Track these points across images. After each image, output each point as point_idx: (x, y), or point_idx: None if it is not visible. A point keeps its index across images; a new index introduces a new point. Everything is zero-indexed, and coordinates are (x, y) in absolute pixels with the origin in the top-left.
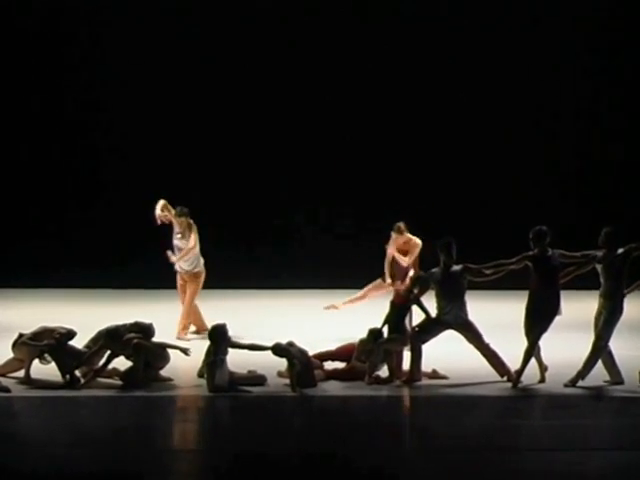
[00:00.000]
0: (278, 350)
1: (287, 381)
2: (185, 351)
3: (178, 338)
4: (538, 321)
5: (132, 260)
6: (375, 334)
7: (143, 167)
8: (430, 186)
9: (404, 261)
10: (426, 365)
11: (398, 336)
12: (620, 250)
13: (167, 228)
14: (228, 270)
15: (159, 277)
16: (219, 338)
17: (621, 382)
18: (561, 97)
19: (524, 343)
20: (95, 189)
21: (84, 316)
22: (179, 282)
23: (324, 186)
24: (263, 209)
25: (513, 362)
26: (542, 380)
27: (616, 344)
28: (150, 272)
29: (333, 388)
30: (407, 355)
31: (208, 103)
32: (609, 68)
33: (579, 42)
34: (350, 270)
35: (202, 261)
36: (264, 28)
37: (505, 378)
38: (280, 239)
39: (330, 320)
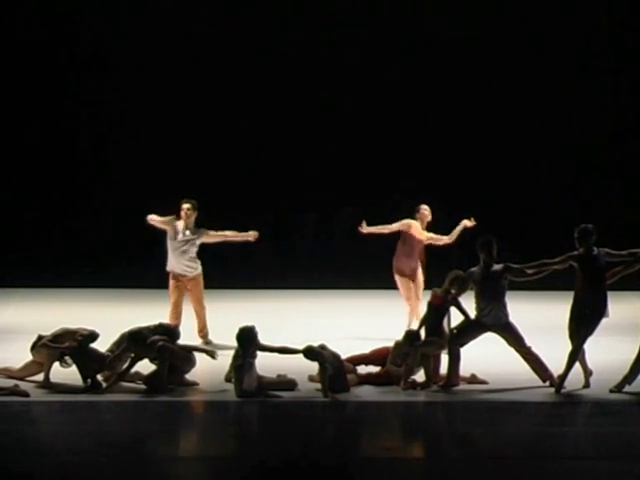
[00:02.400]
0: (309, 353)
1: (318, 386)
2: (212, 354)
3: (205, 343)
4: (583, 323)
5: (153, 259)
6: (412, 336)
7: (155, 165)
8: (463, 183)
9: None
10: (464, 369)
11: (435, 339)
12: None
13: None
14: (248, 271)
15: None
16: (247, 341)
17: None
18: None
19: (568, 346)
20: (107, 187)
21: (105, 317)
22: (174, 283)
23: (348, 185)
24: (278, 206)
25: (556, 366)
26: (586, 385)
27: None
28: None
29: (367, 393)
30: (445, 359)
31: (214, 104)
32: None
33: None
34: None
35: None
36: (265, 30)
37: (547, 383)
38: (298, 238)
39: (359, 321)
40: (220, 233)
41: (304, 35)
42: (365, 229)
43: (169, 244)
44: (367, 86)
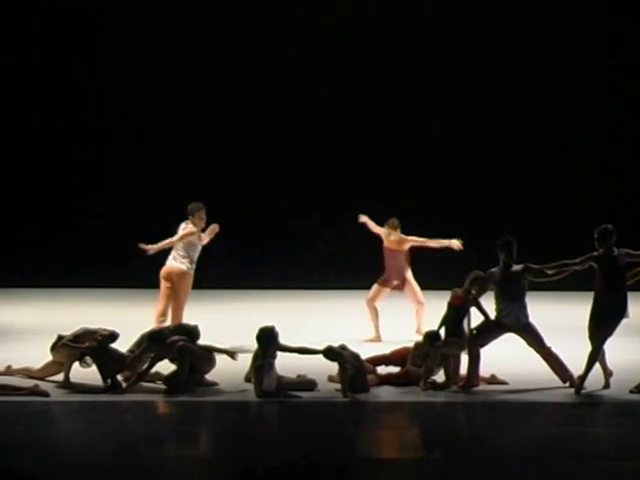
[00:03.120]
0: (329, 354)
1: (338, 386)
2: (232, 354)
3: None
4: (603, 324)
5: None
6: (432, 337)
7: (167, 166)
8: (477, 184)
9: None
10: (484, 370)
11: (455, 339)
12: None
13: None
14: (265, 270)
15: (201, 277)
16: (267, 341)
17: None
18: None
19: (588, 347)
20: (124, 185)
21: (126, 317)
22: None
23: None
24: (291, 207)
25: (576, 367)
26: (606, 386)
27: None
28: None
29: (387, 394)
30: (464, 359)
31: (223, 105)
32: None
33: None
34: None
35: None
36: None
37: (567, 384)
38: (314, 239)
39: (379, 322)
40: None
41: (306, 38)
42: (363, 218)
43: (194, 250)
44: (366, 87)
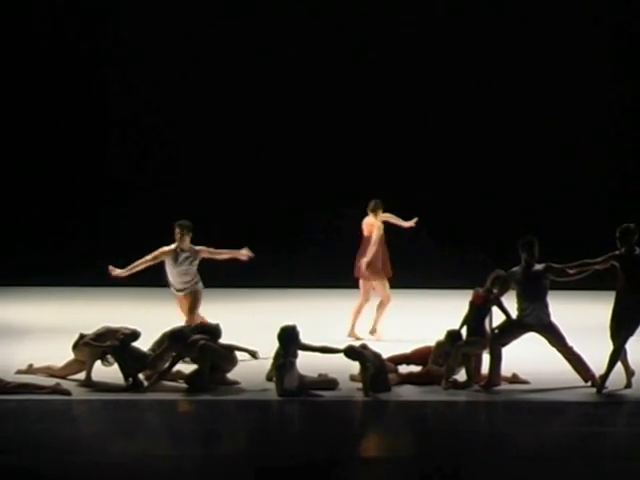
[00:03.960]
0: (351, 353)
1: (360, 385)
2: (253, 354)
3: None
4: (625, 323)
5: None
6: (453, 336)
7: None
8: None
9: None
10: (506, 369)
11: (477, 338)
12: None
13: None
14: (292, 269)
15: (219, 276)
16: (289, 340)
17: None
18: None
19: (610, 346)
20: (148, 185)
21: (147, 316)
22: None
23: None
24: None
25: (598, 366)
26: (628, 385)
27: None
28: (209, 271)
29: (408, 393)
30: (486, 358)
31: (224, 103)
32: None
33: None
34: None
35: None
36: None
37: (589, 383)
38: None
39: (401, 322)
40: (214, 250)
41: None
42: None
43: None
44: (369, 86)
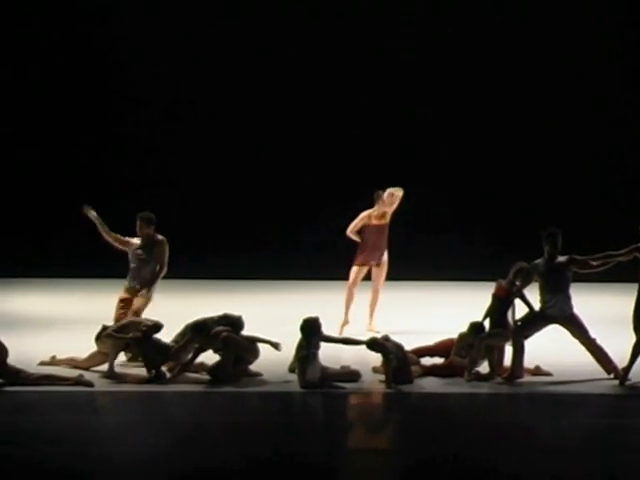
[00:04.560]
0: (373, 345)
1: (382, 377)
2: (276, 345)
3: None
4: None
5: (212, 251)
6: (476, 328)
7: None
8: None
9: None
10: (529, 361)
11: (500, 330)
12: None
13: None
14: (314, 260)
15: (240, 268)
16: (311, 332)
17: None
18: None
19: (632, 338)
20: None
21: (169, 308)
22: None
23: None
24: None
25: (620, 359)
26: None
27: None
28: (231, 263)
29: (431, 385)
30: (509, 350)
31: (229, 99)
32: None
33: None
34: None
35: None
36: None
37: (612, 375)
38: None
39: (423, 314)
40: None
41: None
42: None
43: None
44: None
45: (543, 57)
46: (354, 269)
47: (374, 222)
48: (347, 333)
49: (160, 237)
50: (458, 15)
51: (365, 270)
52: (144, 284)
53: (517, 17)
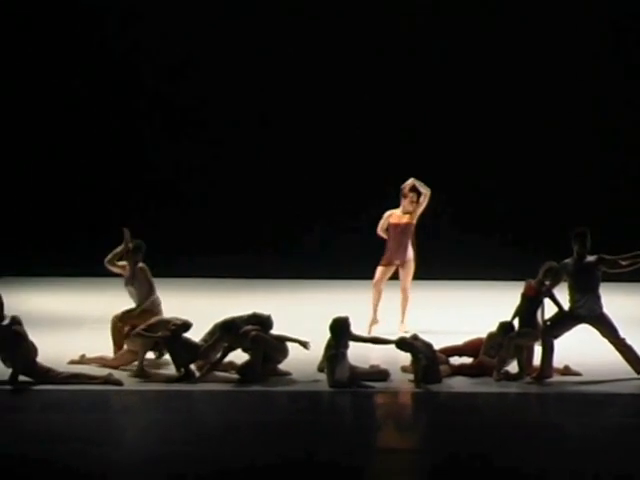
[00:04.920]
0: (402, 344)
1: (411, 377)
2: (305, 344)
3: None
4: None
5: (243, 250)
6: (505, 327)
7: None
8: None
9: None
10: (558, 361)
11: (529, 330)
12: None
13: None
14: (341, 260)
15: (268, 267)
16: (340, 331)
17: None
18: None
19: None
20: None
21: (199, 307)
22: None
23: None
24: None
25: None
26: None
27: None
28: (263, 262)
29: (459, 384)
30: (538, 350)
31: (269, 100)
32: None
33: None
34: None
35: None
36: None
37: None
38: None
39: (452, 313)
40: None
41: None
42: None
43: None
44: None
45: (543, 57)
46: (379, 268)
47: (396, 221)
48: (376, 332)
49: (141, 265)
50: (457, 15)
51: (391, 270)
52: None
53: (517, 17)
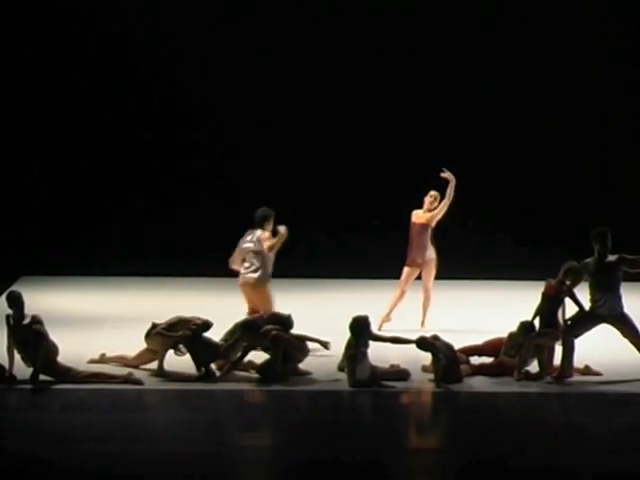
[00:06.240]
0: (423, 344)
1: (432, 376)
2: (325, 344)
3: None
4: None
5: None
6: (526, 327)
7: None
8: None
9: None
10: (578, 361)
11: (550, 330)
12: None
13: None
14: (363, 259)
15: (289, 266)
16: (360, 330)
17: None
18: None
19: None
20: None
21: (220, 306)
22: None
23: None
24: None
25: None
26: None
27: None
28: (282, 261)
29: (480, 384)
30: (558, 350)
31: (304, 96)
32: None
33: None
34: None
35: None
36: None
37: None
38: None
39: (473, 313)
40: None
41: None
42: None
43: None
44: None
45: (542, 57)
46: (404, 269)
47: (415, 220)
48: (395, 331)
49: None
50: (458, 15)
51: (416, 271)
52: None
53: (517, 17)
